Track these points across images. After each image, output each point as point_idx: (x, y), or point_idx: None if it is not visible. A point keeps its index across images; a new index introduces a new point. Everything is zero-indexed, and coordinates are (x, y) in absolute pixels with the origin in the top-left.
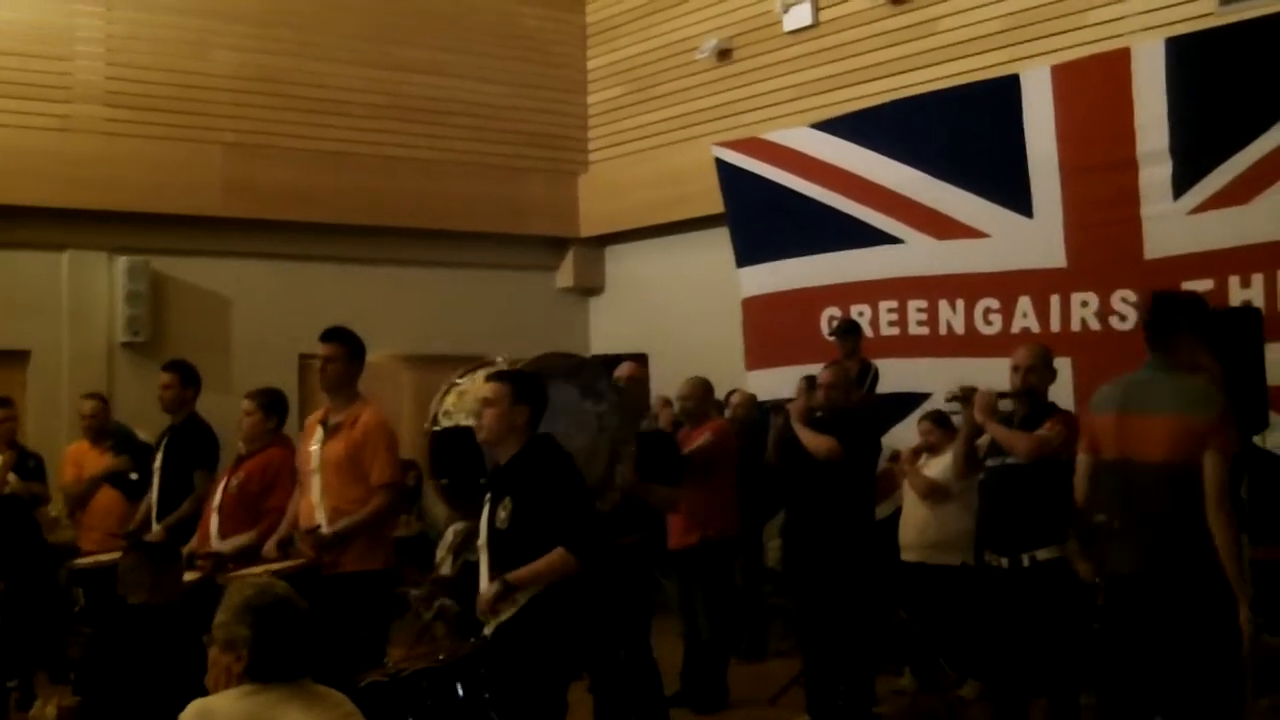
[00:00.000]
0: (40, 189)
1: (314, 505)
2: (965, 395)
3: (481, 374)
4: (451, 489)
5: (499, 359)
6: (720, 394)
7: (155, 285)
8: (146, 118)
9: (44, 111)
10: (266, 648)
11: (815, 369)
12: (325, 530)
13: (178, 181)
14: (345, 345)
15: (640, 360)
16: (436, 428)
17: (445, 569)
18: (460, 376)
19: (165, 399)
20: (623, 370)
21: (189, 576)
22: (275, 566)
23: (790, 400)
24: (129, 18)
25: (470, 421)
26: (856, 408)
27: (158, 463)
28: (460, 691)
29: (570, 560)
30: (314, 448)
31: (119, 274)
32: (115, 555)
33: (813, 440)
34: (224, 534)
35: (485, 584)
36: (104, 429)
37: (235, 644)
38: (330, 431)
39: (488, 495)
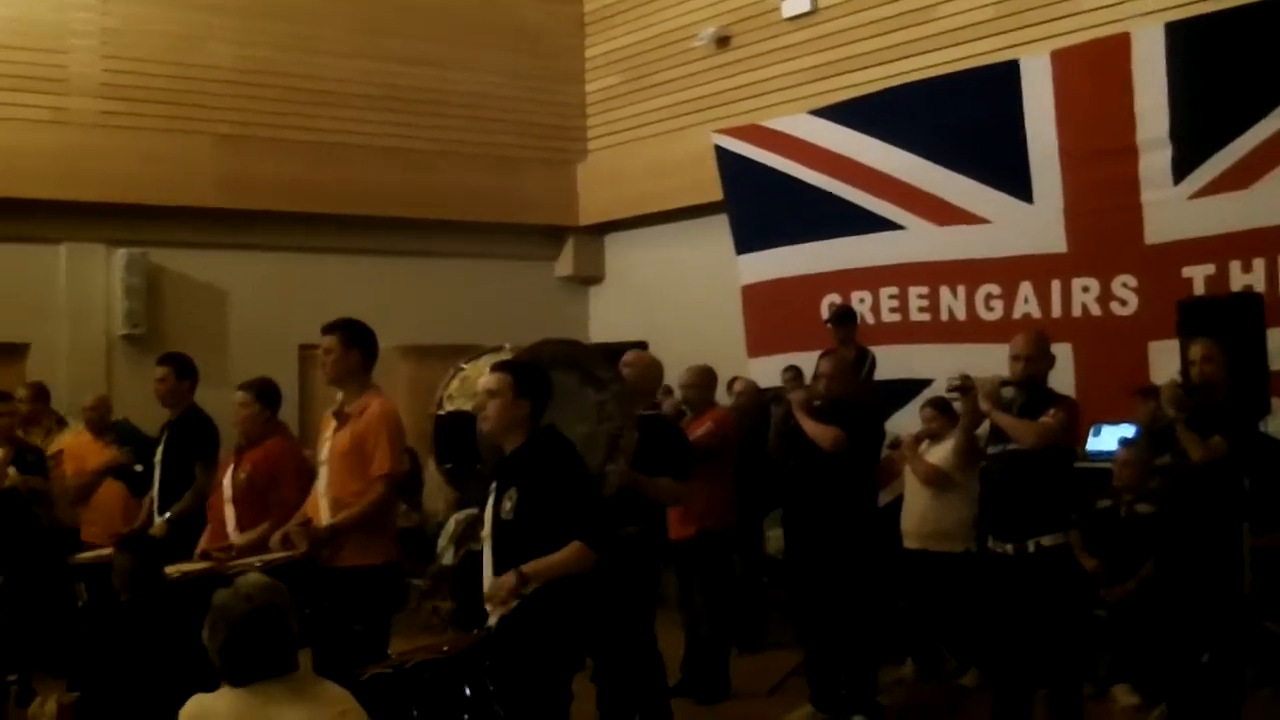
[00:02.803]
0: (36, 183)
1: (319, 497)
2: (965, 385)
3: (485, 360)
4: (455, 473)
5: (506, 345)
6: (723, 381)
7: (152, 278)
8: (142, 110)
9: (39, 104)
10: (232, 654)
11: (812, 356)
12: (321, 524)
13: (173, 174)
14: (341, 334)
15: (641, 349)
16: (440, 412)
17: (447, 559)
18: (466, 362)
19: (161, 393)
20: (629, 356)
21: (201, 566)
22: (270, 558)
23: (788, 390)
24: (123, 10)
25: (469, 405)
26: (858, 396)
27: (158, 456)
28: (465, 684)
29: (588, 554)
30: (326, 439)
31: (117, 267)
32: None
33: (817, 431)
34: (242, 527)
35: (490, 574)
36: (105, 422)
37: (210, 650)
38: (341, 422)
39: (492, 486)
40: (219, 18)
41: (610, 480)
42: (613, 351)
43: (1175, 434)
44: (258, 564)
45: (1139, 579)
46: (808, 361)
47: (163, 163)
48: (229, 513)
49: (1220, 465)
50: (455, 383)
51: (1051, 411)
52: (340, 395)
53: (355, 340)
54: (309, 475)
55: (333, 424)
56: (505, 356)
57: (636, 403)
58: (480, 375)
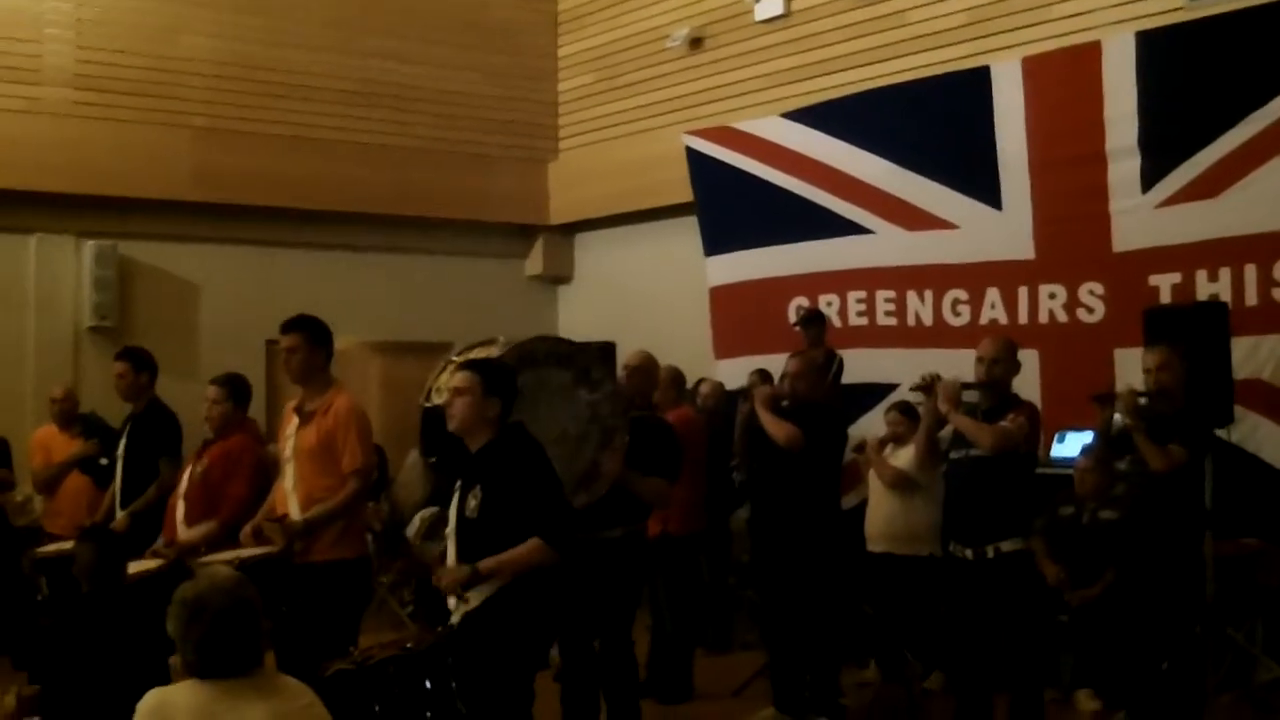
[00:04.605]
0: (7, 172)
1: (287, 493)
2: (929, 385)
3: (477, 352)
4: (439, 466)
5: (500, 339)
6: (690, 382)
7: (123, 270)
8: (116, 101)
9: (12, 94)
10: (209, 646)
11: (780, 359)
12: (296, 518)
13: (146, 166)
14: (305, 333)
15: (608, 349)
16: (428, 403)
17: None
18: (457, 354)
19: (121, 388)
20: (633, 359)
21: (154, 564)
22: (245, 553)
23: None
24: (99, 1)
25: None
26: (822, 398)
27: (121, 450)
28: (427, 681)
29: (546, 551)
30: (289, 435)
31: (86, 259)
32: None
33: (775, 427)
34: (190, 522)
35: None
36: (73, 414)
37: (183, 642)
38: (304, 419)
39: (458, 484)
40: (195, 10)
41: (603, 473)
42: (608, 349)
43: (1131, 440)
44: (234, 560)
45: (1103, 585)
46: (775, 364)
47: (135, 155)
48: (179, 508)
49: (1179, 473)
50: (445, 375)
51: (1011, 416)
52: (301, 392)
53: (320, 339)
54: (265, 473)
55: (294, 420)
56: (497, 350)
57: (633, 404)
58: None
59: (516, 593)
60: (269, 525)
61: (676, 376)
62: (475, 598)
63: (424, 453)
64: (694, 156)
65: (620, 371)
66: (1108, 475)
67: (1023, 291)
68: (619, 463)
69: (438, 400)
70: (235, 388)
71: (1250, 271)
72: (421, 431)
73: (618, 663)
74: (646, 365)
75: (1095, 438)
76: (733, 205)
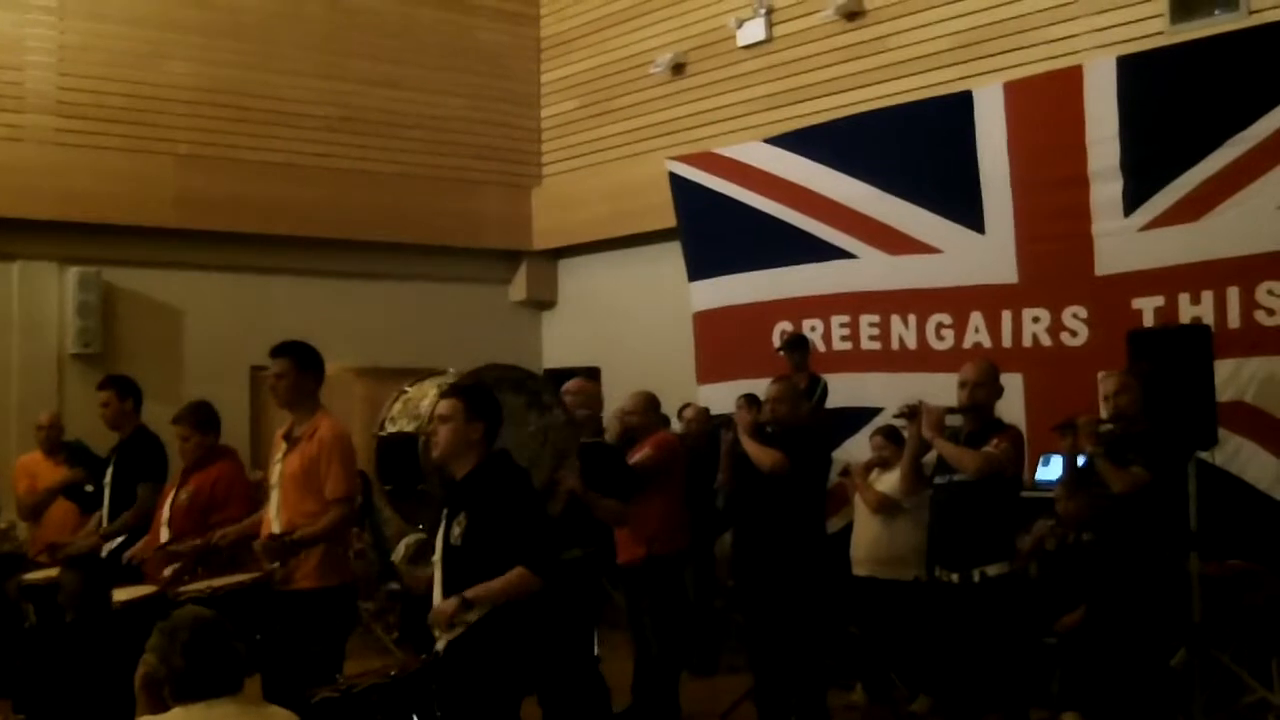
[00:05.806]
0: None
1: (270, 519)
2: (912, 411)
3: (429, 383)
4: (395, 494)
5: (450, 370)
6: (674, 407)
7: (107, 296)
8: (99, 128)
9: None
10: (193, 661)
11: (764, 384)
12: (285, 536)
13: (130, 192)
14: (293, 358)
15: (593, 374)
16: (382, 433)
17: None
18: (410, 385)
19: (106, 416)
20: (571, 385)
21: (142, 591)
22: (218, 583)
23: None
24: (81, 28)
25: (411, 427)
26: (805, 422)
27: (108, 478)
28: (412, 709)
29: (531, 579)
30: (276, 461)
31: (70, 285)
32: None
33: (759, 453)
34: None
35: (439, 598)
36: (58, 441)
37: (165, 663)
38: (291, 444)
39: (444, 511)
40: (178, 35)
41: (561, 490)
42: (565, 376)
43: (1095, 467)
44: (206, 590)
45: (1086, 608)
46: (759, 389)
47: (119, 181)
48: (163, 534)
49: (1145, 494)
50: (398, 404)
51: (995, 441)
52: (290, 418)
53: (309, 364)
54: (255, 498)
55: (283, 446)
56: (449, 380)
57: (582, 429)
58: (423, 397)
59: (500, 619)
60: (260, 545)
61: (653, 400)
62: (459, 626)
63: (380, 481)
64: (677, 182)
65: (566, 398)
66: (1084, 500)
67: (1006, 315)
68: (579, 481)
69: (391, 430)
70: (198, 418)
71: (1233, 294)
72: (376, 461)
73: (587, 684)
74: (582, 389)
75: (1063, 466)
76: (716, 230)
